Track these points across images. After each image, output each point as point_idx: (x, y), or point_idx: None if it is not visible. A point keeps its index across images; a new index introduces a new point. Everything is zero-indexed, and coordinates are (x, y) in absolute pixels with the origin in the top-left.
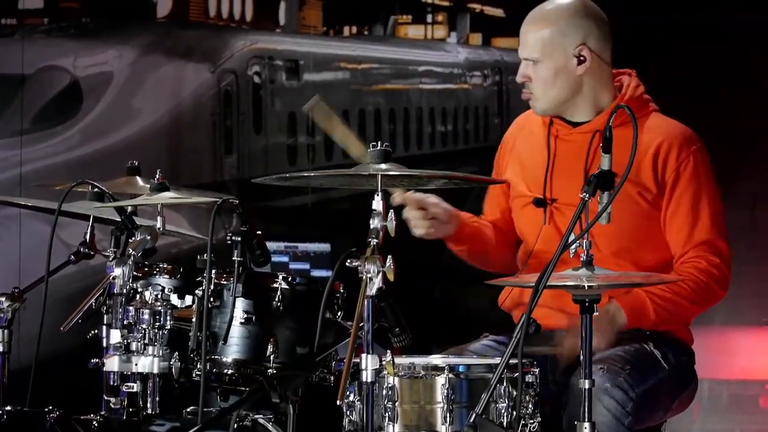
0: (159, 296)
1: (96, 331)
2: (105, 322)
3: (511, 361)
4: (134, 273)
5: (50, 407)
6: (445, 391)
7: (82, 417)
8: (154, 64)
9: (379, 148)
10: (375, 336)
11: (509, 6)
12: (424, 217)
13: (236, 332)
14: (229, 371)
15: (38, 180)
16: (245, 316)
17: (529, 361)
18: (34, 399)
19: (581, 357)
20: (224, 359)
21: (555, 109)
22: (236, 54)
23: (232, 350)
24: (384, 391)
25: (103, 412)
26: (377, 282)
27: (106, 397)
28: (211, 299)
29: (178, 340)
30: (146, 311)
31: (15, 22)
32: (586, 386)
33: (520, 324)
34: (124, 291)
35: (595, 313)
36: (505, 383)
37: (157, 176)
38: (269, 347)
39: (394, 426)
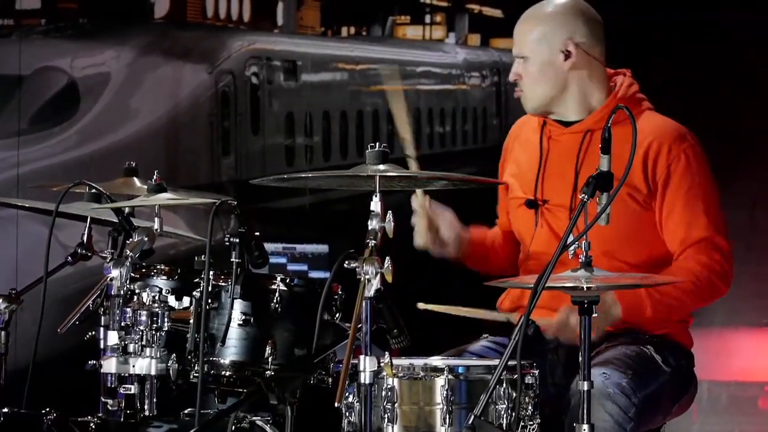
0: (156, 298)
1: (93, 332)
2: (102, 323)
3: (510, 363)
4: (132, 274)
5: (47, 409)
6: (445, 392)
7: (79, 419)
8: (151, 65)
9: (377, 149)
10: (373, 337)
11: (508, 7)
12: (429, 230)
13: (234, 334)
14: (227, 373)
15: (35, 181)
16: (243, 317)
17: (528, 363)
18: (31, 401)
19: (580, 359)
20: (222, 361)
21: (544, 106)
22: (234, 55)
23: (230, 352)
24: (383, 393)
25: (100, 414)
26: (375, 283)
27: (103, 399)
28: (209, 301)
29: (175, 341)
30: (144, 313)
31: (12, 22)
32: (585, 387)
33: (519, 325)
34: (122, 292)
35: (594, 315)
36: (504, 384)
37: (155, 177)
38: (267, 349)
39: (393, 427)
